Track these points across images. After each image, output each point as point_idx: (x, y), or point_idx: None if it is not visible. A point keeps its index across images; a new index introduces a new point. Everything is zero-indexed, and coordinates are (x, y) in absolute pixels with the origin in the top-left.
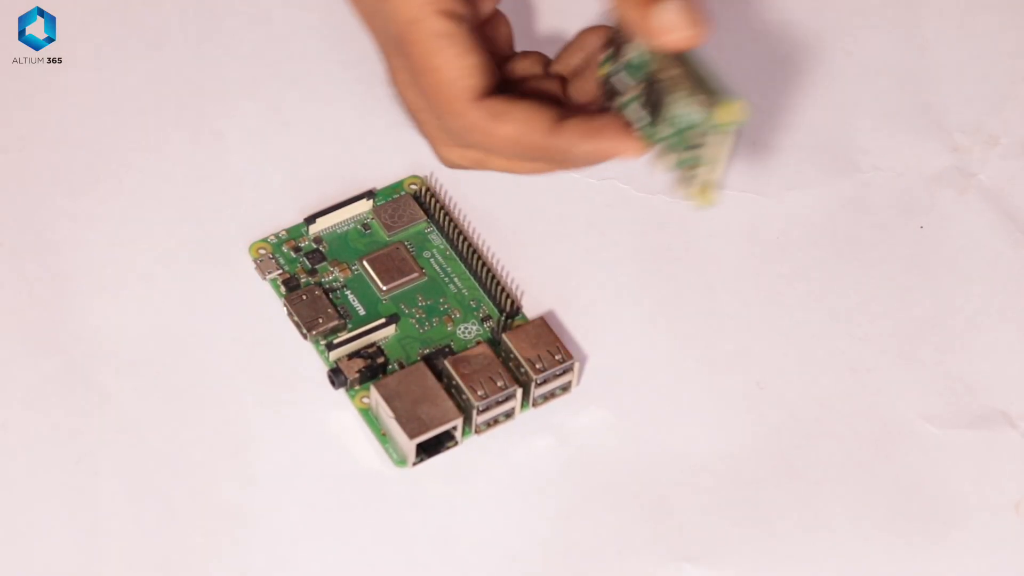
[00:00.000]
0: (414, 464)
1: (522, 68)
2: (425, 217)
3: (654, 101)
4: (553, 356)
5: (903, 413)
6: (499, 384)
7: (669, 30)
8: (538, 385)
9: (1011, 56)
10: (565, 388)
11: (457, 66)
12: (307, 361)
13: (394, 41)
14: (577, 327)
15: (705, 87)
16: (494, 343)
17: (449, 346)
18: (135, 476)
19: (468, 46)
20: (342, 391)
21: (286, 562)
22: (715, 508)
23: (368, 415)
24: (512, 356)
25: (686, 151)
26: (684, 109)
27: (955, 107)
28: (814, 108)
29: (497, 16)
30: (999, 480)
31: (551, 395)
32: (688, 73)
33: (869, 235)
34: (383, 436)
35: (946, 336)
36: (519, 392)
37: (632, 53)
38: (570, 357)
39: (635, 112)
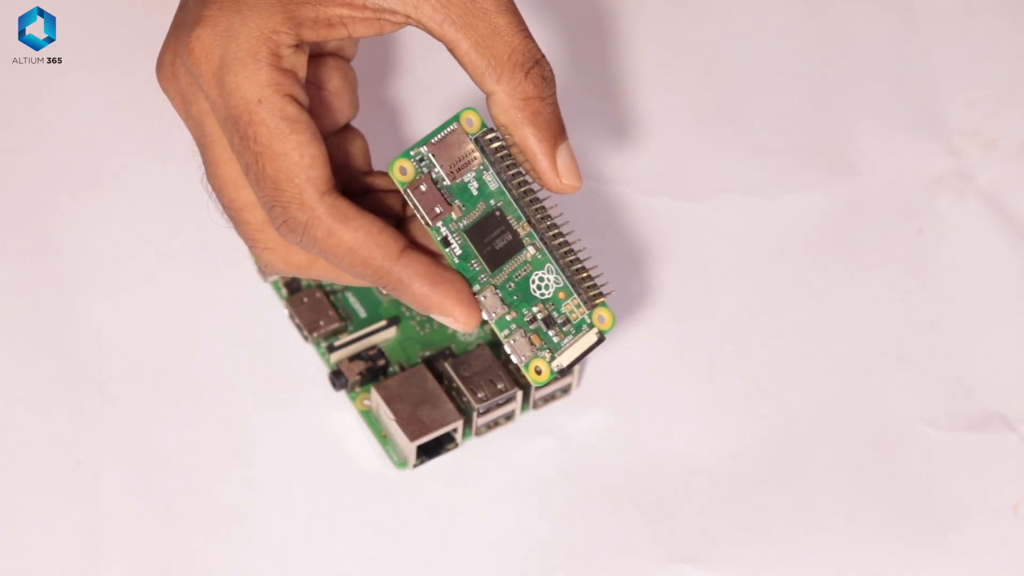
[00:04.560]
0: (415, 466)
1: (374, 182)
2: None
3: (501, 251)
4: None
5: (902, 415)
6: (499, 386)
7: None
8: (538, 388)
9: (1010, 59)
10: (565, 390)
11: (307, 153)
12: (308, 363)
13: (231, 123)
14: None
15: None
16: (494, 345)
17: (450, 348)
18: (136, 477)
19: (314, 135)
20: (343, 393)
21: (287, 563)
22: (714, 510)
23: (369, 417)
24: None
25: (531, 321)
26: (551, 289)
27: (954, 110)
28: (813, 111)
29: (352, 131)
30: (998, 482)
31: (551, 397)
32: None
33: (868, 238)
34: (384, 438)
35: (945, 339)
36: (519, 394)
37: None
38: None
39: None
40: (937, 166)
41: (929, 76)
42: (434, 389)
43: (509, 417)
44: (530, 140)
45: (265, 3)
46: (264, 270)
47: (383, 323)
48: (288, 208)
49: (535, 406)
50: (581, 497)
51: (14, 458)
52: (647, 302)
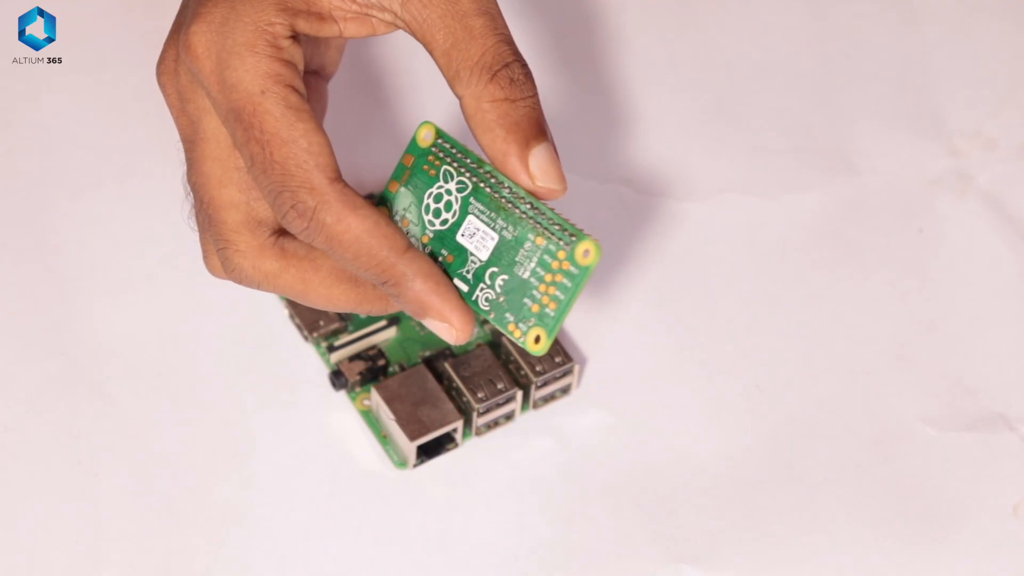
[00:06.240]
0: (415, 466)
1: None
2: None
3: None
4: (553, 358)
5: (902, 415)
6: (499, 386)
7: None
8: (538, 387)
9: (1010, 59)
10: (565, 390)
11: (315, 141)
12: (308, 363)
13: (234, 116)
14: (577, 330)
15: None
16: (494, 345)
17: (450, 348)
18: (136, 477)
19: (318, 124)
20: (343, 393)
21: (287, 563)
22: (714, 510)
23: (369, 417)
24: (512, 358)
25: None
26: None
27: (954, 110)
28: (813, 111)
29: None
30: (998, 482)
31: (551, 397)
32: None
33: (868, 238)
34: (384, 438)
35: (945, 339)
36: (519, 394)
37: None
38: (570, 360)
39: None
40: (937, 166)
41: (929, 76)
42: (434, 389)
43: (509, 417)
44: (496, 143)
45: None
46: (228, 276)
47: (383, 323)
48: (297, 193)
49: (535, 406)
50: (581, 497)
51: (14, 458)
52: (647, 302)
